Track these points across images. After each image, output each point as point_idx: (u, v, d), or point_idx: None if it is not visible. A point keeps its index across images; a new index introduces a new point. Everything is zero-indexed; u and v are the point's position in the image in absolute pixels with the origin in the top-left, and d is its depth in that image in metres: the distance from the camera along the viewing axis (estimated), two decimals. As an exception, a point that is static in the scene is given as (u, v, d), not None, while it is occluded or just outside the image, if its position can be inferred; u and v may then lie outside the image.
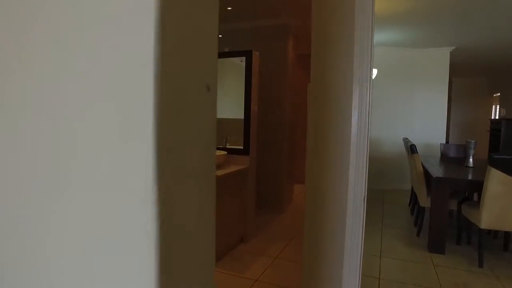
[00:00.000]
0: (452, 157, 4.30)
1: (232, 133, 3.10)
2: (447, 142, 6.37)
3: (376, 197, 4.73)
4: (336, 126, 1.47)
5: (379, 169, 5.15)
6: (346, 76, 1.42)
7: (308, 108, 1.58)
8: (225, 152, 2.83)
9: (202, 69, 0.47)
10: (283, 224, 3.55)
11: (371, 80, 1.40)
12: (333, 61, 1.46)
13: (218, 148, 3.01)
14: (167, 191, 0.39)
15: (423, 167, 3.25)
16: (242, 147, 2.95)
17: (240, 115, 2.95)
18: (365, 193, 1.51)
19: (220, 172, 2.52)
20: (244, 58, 2.88)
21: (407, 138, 4.18)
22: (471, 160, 3.39)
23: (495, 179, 2.42)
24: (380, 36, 4.54)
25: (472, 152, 3.39)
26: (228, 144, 3.11)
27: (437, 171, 3.08)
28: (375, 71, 4.49)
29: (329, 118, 1.49)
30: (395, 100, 5.22)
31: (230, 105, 3.11)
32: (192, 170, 0.45)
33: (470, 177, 2.93)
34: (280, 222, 3.64)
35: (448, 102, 5.33)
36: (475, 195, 3.36)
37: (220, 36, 4.31)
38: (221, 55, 3.04)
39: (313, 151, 1.59)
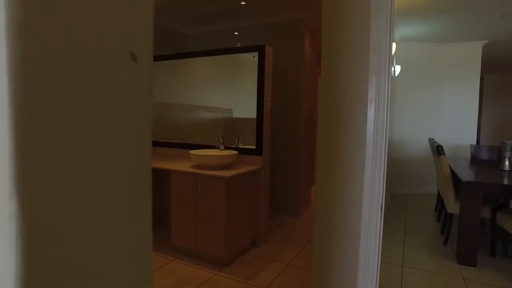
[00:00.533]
0: (484, 159, 3.98)
1: (246, 133, 2.97)
2: (477, 143, 5.97)
3: (398, 202, 4.46)
4: (349, 122, 1.31)
5: (402, 172, 4.87)
6: (362, 66, 1.25)
7: (319, 103, 1.43)
8: (236, 152, 2.70)
9: (121, 29, 0.33)
10: (299, 228, 3.39)
11: (389, 70, 1.23)
12: (347, 50, 1.30)
13: (229, 148, 2.89)
14: (36, 205, 0.26)
15: (451, 170, 2.99)
16: (254, 147, 2.81)
17: (254, 114, 2.82)
18: (382, 197, 1.34)
19: (230, 173, 2.40)
20: (256, 54, 2.74)
21: (432, 139, 3.90)
22: (506, 163, 3.10)
23: (534, 185, 2.16)
24: (403, 31, 4.29)
25: (508, 154, 3.09)
26: (240, 144, 2.98)
27: (467, 174, 2.82)
28: (398, 68, 4.24)
29: (341, 113, 1.33)
30: (420, 98, 4.92)
31: (244, 105, 2.99)
32: (101, 175, 0.32)
33: (506, 182, 2.65)
34: (295, 225, 3.47)
35: (479, 100, 4.97)
36: None
37: (236, 33, 4.21)
38: (232, 50, 2.92)
39: (323, 150, 1.43)
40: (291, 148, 3.76)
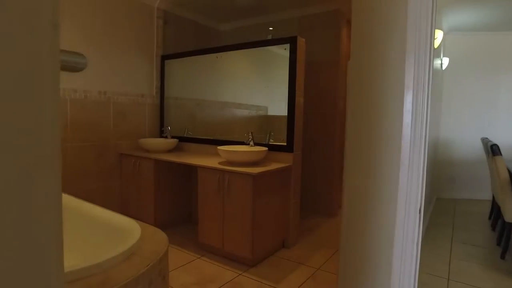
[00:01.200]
0: (549, 162, 3.51)
1: (277, 130, 2.86)
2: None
3: (446, 207, 4.09)
4: (382, 112, 1.15)
5: (450, 175, 4.47)
6: (397, 48, 1.09)
7: (348, 92, 1.28)
8: (266, 148, 2.60)
9: None
10: (332, 230, 3.20)
11: (431, 52, 1.05)
12: (380, 28, 1.14)
13: (258, 144, 2.79)
14: None
15: (509, 173, 2.65)
16: (285, 144, 2.68)
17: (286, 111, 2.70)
18: (421, 198, 1.16)
19: (258, 169, 2.30)
20: (288, 46, 2.61)
21: (486, 138, 3.51)
22: None
23: None
24: (451, 21, 3.91)
25: None
26: (272, 141, 2.87)
27: (527, 178, 2.48)
28: (445, 60, 3.88)
29: (373, 102, 1.17)
30: (471, 94, 4.47)
31: (279, 102, 2.86)
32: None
33: None
34: (328, 227, 3.29)
35: (543, 96, 4.42)
36: None
37: (270, 28, 4.09)
38: (263, 43, 2.82)
39: (352, 145, 1.28)
40: (326, 145, 3.58)
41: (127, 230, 1.74)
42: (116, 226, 1.86)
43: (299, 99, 2.67)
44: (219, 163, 2.58)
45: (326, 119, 3.56)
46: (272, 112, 3.14)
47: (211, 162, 2.63)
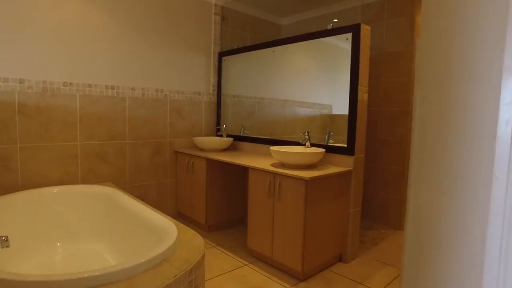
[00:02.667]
0: None
1: (341, 130, 2.58)
2: None
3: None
4: (464, 106, 0.85)
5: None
6: (493, 13, 0.78)
7: (416, 77, 0.99)
8: (323, 150, 2.34)
9: None
10: (399, 245, 2.81)
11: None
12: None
13: (316, 145, 2.54)
14: None
15: None
16: (346, 145, 2.40)
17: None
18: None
19: (311, 173, 2.06)
20: (350, 35, 2.32)
21: None
22: None
23: None
24: None
25: None
26: (331, 141, 2.60)
27: None
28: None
29: (451, 91, 0.87)
30: None
31: (341, 100, 2.58)
32: None
33: None
34: (395, 241, 2.89)
35: None
36: None
37: (335, 20, 3.79)
38: (321, 34, 2.55)
39: (419, 148, 0.99)
40: (395, 148, 3.17)
41: (165, 232, 1.65)
42: (155, 227, 1.79)
43: (363, 96, 2.36)
44: (272, 164, 2.39)
45: (396, 118, 3.15)
46: (336, 111, 2.85)
47: (263, 163, 2.46)
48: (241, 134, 3.39)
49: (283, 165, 2.36)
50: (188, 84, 3.34)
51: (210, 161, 2.87)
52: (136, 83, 2.98)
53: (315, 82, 2.92)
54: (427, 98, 0.97)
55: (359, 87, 2.30)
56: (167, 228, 1.70)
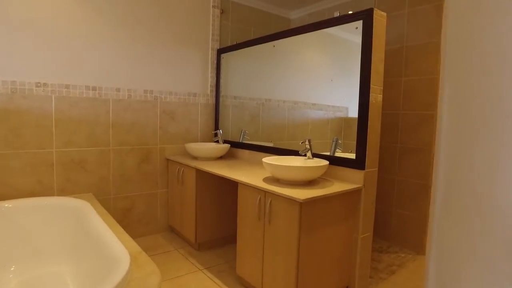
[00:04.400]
0: None
1: (353, 135, 2.17)
2: None
3: None
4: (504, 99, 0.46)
5: None
6: None
7: (442, 67, 0.60)
8: (326, 163, 1.93)
9: None
10: (421, 273, 2.35)
11: None
12: None
13: (318, 156, 2.14)
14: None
15: None
16: (354, 157, 1.98)
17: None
18: None
19: (309, 193, 1.67)
20: (360, 23, 1.91)
21: None
22: None
23: None
24: None
25: None
26: (339, 150, 2.19)
27: None
28: None
29: (495, 77, 0.48)
30: None
31: (355, 101, 2.18)
32: None
33: None
34: (416, 268, 2.44)
35: None
36: None
37: (350, 12, 3.36)
38: (327, 23, 2.15)
39: (446, 152, 0.61)
40: (418, 158, 2.71)
41: (116, 264, 1.31)
42: (109, 256, 1.46)
43: (376, 97, 1.94)
44: (265, 179, 2.02)
45: (419, 123, 2.70)
46: (353, 114, 2.45)
47: (257, 177, 2.08)
48: (241, 141, 3.02)
49: (277, 180, 1.97)
50: (182, 84, 3.01)
51: (200, 172, 2.52)
52: (122, 83, 2.67)
53: (329, 82, 2.51)
54: (459, 89, 0.58)
55: (371, 86, 1.88)
56: (120, 259, 1.36)
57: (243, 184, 1.97)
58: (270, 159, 2.06)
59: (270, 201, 1.78)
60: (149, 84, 2.81)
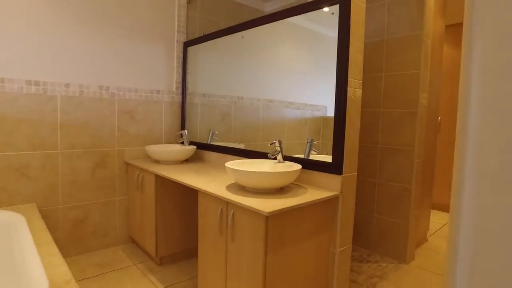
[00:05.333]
0: None
1: (325, 136, 1.94)
2: None
3: None
4: None
5: None
6: None
7: (463, 56, 0.36)
8: (297, 168, 1.69)
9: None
10: (405, 284, 2.15)
11: None
12: None
13: (289, 159, 1.90)
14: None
15: None
16: (331, 160, 1.75)
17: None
18: None
19: (277, 203, 1.42)
20: (337, 7, 1.68)
21: None
22: None
23: None
24: None
25: None
26: (314, 152, 1.95)
27: None
28: None
29: None
30: None
31: (333, 100, 1.96)
32: None
33: None
34: (399, 280, 2.24)
35: None
36: None
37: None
38: (299, 9, 1.91)
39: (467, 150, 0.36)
40: (400, 159, 2.52)
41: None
42: (24, 286, 1.16)
43: (355, 91, 1.71)
44: (229, 186, 1.76)
45: (401, 122, 2.50)
46: (332, 113, 2.22)
47: (220, 184, 1.82)
48: (209, 142, 2.75)
49: (243, 188, 1.72)
50: (144, 80, 2.71)
51: (161, 177, 2.24)
52: (72, 78, 2.36)
53: (307, 80, 2.27)
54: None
55: (349, 79, 1.66)
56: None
57: (203, 192, 1.71)
58: (234, 164, 1.80)
59: (233, 213, 1.53)
60: (105, 80, 2.50)
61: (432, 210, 3.97)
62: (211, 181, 1.87)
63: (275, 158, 1.85)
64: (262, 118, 2.57)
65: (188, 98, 2.95)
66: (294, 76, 2.24)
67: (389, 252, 2.59)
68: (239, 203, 1.45)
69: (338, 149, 1.68)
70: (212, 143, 2.74)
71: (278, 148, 1.81)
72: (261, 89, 2.53)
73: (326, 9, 1.75)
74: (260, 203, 1.43)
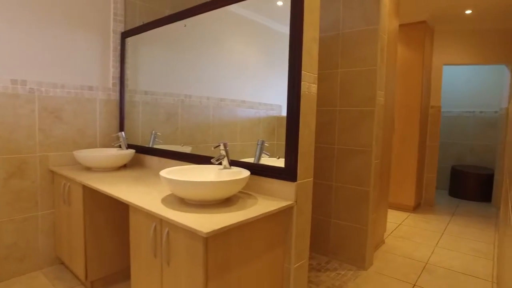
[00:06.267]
0: None
1: (280, 136, 1.73)
2: None
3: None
4: None
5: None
6: None
7: None
8: (246, 174, 1.46)
9: None
10: (365, 300, 2.01)
11: None
12: None
13: (237, 164, 1.67)
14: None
15: None
16: (283, 165, 1.54)
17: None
18: None
19: (224, 219, 1.18)
20: (288, -9, 1.47)
21: None
22: None
23: None
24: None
25: None
26: (265, 156, 1.73)
27: None
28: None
29: None
30: None
31: (278, 98, 1.75)
32: None
33: None
34: (360, 286, 2.10)
35: None
36: None
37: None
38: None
39: None
40: (358, 161, 2.39)
41: None
42: None
43: (309, 86, 1.52)
44: (165, 199, 1.48)
45: (360, 120, 2.37)
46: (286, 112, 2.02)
47: (157, 195, 1.54)
48: (151, 145, 2.44)
49: (183, 200, 1.45)
50: (73, 75, 2.34)
51: (86, 189, 1.90)
52: (-25, 69, 1.94)
53: (261, 78, 2.05)
54: None
55: (303, 72, 1.46)
56: None
57: (134, 207, 1.42)
58: (171, 172, 1.52)
59: (168, 232, 1.26)
60: (21, 72, 2.10)
61: (390, 210, 3.96)
62: (147, 193, 1.58)
63: (221, 164, 1.61)
64: (213, 118, 2.31)
65: (127, 96, 2.62)
66: (247, 74, 2.01)
67: (348, 258, 2.46)
68: (173, 220, 1.19)
69: (291, 152, 1.48)
70: (154, 146, 2.43)
71: (224, 152, 1.57)
72: (211, 86, 2.27)
73: (276, -8, 1.54)
74: (199, 219, 1.18)
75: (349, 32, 2.35)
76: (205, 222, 1.15)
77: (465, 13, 3.71)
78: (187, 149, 2.22)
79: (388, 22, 2.51)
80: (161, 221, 1.28)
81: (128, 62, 2.60)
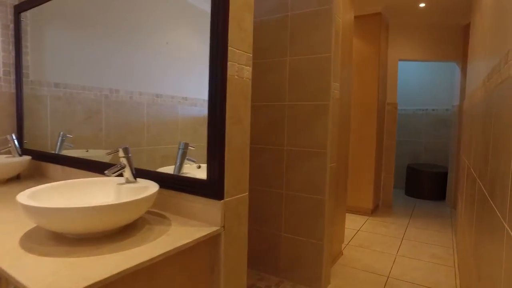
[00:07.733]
0: None
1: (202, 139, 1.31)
2: None
3: None
4: None
5: None
6: None
7: None
8: (154, 190, 1.03)
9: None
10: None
11: None
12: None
13: (146, 175, 1.24)
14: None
15: None
16: (205, 177, 1.13)
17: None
18: None
19: (109, 263, 0.74)
20: None
21: None
22: None
23: None
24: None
25: None
26: (191, 163, 1.31)
27: None
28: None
29: None
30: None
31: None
32: None
33: None
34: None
35: None
36: None
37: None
38: None
39: None
40: (308, 166, 2.04)
41: None
42: None
43: (240, 69, 1.12)
44: (29, 233, 1.01)
45: (313, 117, 2.03)
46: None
47: (15, 228, 1.06)
48: (57, 150, 1.92)
49: (61, 234, 0.99)
50: None
51: None
52: None
53: (204, 71, 1.61)
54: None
55: (229, 48, 1.06)
56: None
57: (-26, 248, 0.93)
58: (42, 191, 1.05)
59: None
60: None
61: (348, 213, 3.71)
62: (7, 221, 1.09)
63: (121, 175, 1.16)
64: (147, 117, 1.83)
65: (28, 88, 2.07)
66: (189, 67, 1.57)
67: (302, 278, 2.11)
68: (10, 275, 0.73)
69: (214, 159, 1.07)
70: (62, 152, 1.91)
71: (125, 161, 1.13)
72: (144, 80, 1.80)
73: None
74: (63, 271, 0.73)
75: (299, 13, 2.00)
76: (71, 275, 0.71)
77: (419, 6, 3.55)
78: (102, 156, 1.73)
79: (343, 10, 2.21)
80: (7, 278, 0.82)
81: (28, 46, 2.06)
